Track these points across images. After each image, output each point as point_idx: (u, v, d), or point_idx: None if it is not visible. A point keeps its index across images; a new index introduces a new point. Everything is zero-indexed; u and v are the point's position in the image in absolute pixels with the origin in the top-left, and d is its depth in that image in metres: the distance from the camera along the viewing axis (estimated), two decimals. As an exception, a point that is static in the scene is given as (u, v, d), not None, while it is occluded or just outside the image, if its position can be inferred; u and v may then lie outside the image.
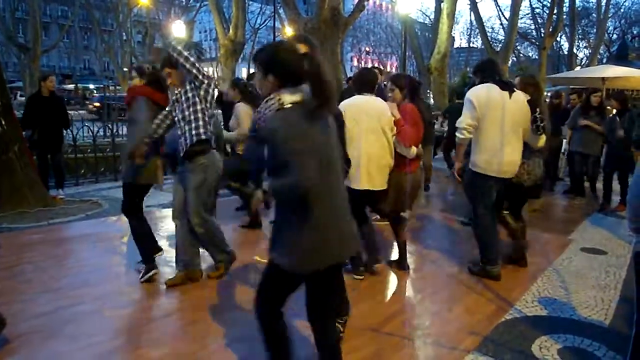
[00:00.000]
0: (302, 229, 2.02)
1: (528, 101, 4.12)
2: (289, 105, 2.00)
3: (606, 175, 7.14)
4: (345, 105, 3.79)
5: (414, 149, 4.03)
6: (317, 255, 2.06)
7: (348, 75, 14.84)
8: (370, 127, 3.80)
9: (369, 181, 3.84)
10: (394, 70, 48.43)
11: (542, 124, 4.20)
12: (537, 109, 4.19)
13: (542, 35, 23.21)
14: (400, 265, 4.39)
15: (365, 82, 3.97)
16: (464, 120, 4.01)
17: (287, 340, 2.27)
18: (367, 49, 51.76)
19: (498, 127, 3.96)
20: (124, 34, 31.60)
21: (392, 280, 4.22)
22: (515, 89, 4.07)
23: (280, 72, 2.07)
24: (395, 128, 3.92)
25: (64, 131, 7.45)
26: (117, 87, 29.59)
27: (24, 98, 28.57)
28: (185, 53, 3.52)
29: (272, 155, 1.98)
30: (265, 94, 2.13)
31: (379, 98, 3.97)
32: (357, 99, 3.91)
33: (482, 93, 4.01)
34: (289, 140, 1.91)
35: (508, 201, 4.42)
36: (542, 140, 4.29)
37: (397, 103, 4.08)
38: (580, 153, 7.55)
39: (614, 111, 7.20)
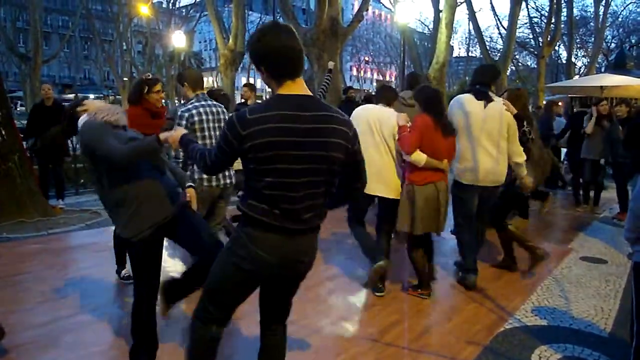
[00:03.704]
0: None
1: (515, 115, 4.11)
2: None
3: (619, 185, 7.07)
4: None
5: (419, 155, 3.69)
6: None
7: (347, 85, 14.90)
8: (369, 133, 3.94)
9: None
10: (392, 79, 48.63)
11: (529, 137, 4.26)
12: (524, 122, 4.23)
13: (541, 44, 23.28)
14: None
15: (387, 98, 4.17)
16: None
17: None
18: (367, 58, 51.98)
19: (468, 136, 4.03)
20: (124, 44, 31.71)
21: (391, 289, 4.21)
22: (492, 99, 4.04)
23: None
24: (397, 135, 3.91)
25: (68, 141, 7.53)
26: (117, 97, 29.68)
27: (24, 108, 28.75)
28: None
29: None
30: None
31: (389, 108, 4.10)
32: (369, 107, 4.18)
33: (454, 103, 4.15)
34: None
35: (516, 209, 4.47)
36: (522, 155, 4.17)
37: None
38: (587, 159, 7.44)
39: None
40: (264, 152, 1.84)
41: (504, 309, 3.79)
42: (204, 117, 3.77)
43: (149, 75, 4.21)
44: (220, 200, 4.06)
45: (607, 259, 5.14)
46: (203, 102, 3.84)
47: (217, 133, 3.80)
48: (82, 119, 2.66)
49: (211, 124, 3.81)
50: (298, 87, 1.92)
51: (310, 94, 1.96)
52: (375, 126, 3.95)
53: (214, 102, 3.98)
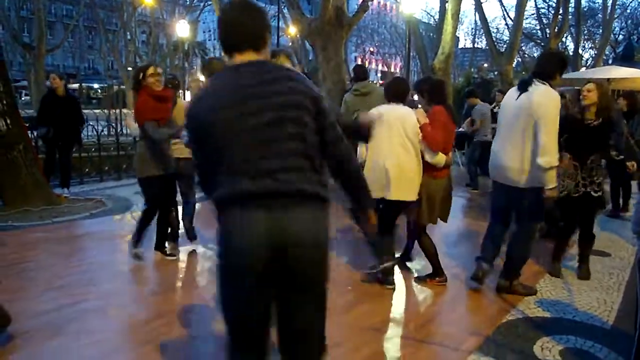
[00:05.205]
0: None
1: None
2: None
3: (613, 180, 7.02)
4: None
5: (441, 156, 3.79)
6: None
7: (352, 76, 14.80)
8: (396, 135, 3.76)
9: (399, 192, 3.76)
10: (397, 70, 48.40)
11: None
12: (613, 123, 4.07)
13: (548, 35, 23.11)
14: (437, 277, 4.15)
15: (397, 92, 3.93)
16: None
17: None
18: (371, 49, 51.71)
19: (500, 129, 3.81)
20: (128, 33, 31.68)
21: (395, 280, 4.21)
22: (528, 89, 3.53)
23: None
24: (420, 133, 3.78)
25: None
26: (121, 87, 29.71)
27: (29, 97, 28.78)
28: None
29: None
30: None
31: (404, 106, 3.91)
32: (384, 107, 3.88)
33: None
34: None
35: (580, 216, 4.26)
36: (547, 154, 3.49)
37: (424, 108, 3.94)
38: None
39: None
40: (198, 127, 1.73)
41: (507, 300, 3.79)
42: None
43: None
44: None
45: (611, 252, 5.13)
46: None
47: None
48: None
49: None
50: (246, 58, 1.74)
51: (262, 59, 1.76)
52: (397, 126, 3.75)
53: None
